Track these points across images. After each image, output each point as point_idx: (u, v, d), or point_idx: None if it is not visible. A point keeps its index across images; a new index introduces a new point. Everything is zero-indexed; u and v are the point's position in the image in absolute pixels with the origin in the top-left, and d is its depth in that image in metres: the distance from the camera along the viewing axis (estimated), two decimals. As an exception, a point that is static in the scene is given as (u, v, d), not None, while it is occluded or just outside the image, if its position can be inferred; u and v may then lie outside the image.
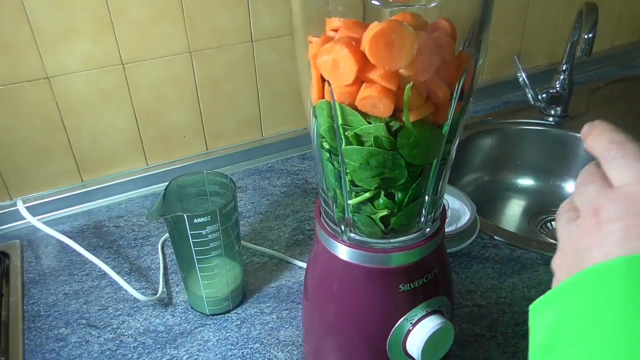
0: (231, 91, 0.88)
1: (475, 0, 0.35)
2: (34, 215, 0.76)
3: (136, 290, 0.67)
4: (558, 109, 1.03)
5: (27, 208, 0.77)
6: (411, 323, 0.44)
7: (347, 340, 0.47)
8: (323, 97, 0.38)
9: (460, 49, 0.38)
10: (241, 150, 0.92)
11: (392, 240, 0.43)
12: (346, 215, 0.42)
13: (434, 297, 0.45)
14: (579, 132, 0.97)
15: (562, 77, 1.00)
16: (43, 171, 0.80)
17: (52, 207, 0.81)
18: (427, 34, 0.35)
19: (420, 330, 0.44)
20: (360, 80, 0.35)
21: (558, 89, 1.01)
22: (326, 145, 0.40)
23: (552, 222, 0.98)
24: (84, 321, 0.63)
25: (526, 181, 1.04)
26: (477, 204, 0.75)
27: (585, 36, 0.86)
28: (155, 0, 0.76)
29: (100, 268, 0.68)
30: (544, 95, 1.00)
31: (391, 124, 0.36)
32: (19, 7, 0.69)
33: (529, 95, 0.99)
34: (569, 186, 1.01)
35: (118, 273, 0.69)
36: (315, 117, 0.39)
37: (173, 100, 0.85)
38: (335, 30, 0.37)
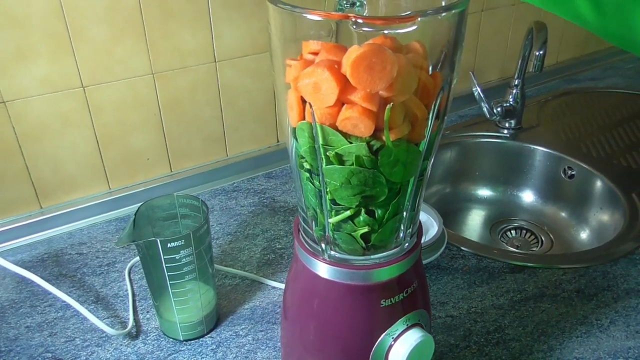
0: (195, 112, 0.88)
1: (450, 25, 0.37)
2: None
3: (105, 319, 0.64)
4: (512, 121, 1.07)
5: (-17, 238, 0.73)
6: (393, 338, 0.45)
7: (329, 358, 0.47)
8: (304, 119, 0.38)
9: (430, 69, 0.39)
10: (206, 170, 0.91)
11: (372, 257, 0.43)
12: (326, 234, 0.43)
13: (413, 311, 0.46)
14: (532, 144, 1.02)
15: (514, 91, 1.04)
16: (-1, 199, 0.77)
17: (9, 235, 0.77)
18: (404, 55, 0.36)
19: (402, 344, 0.44)
20: (341, 101, 0.36)
21: (511, 102, 1.05)
22: (306, 165, 0.40)
23: (512, 231, 1.01)
24: (50, 354, 0.61)
25: (485, 192, 1.08)
26: (440, 215, 0.77)
27: (537, 53, 0.90)
28: (115, 20, 0.75)
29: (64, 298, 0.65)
30: (499, 109, 1.04)
31: (372, 143, 0.37)
32: (-28, 29, 0.66)
33: (485, 109, 1.03)
34: (525, 196, 1.05)
35: (84, 302, 0.67)
36: (295, 138, 0.40)
37: (136, 122, 0.83)
38: (313, 53, 0.37)
